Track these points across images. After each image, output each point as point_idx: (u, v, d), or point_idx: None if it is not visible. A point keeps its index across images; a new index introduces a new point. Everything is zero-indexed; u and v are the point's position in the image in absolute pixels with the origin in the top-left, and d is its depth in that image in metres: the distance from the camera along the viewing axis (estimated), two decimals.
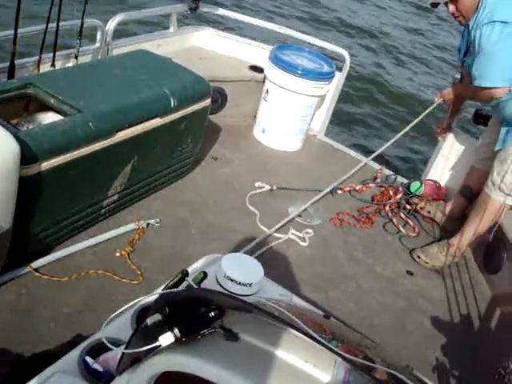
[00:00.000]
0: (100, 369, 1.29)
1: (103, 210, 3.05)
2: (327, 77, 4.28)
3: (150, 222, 3.18)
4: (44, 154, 2.41)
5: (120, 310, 1.26)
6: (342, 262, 3.42)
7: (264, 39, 5.47)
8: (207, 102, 3.40)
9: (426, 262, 3.56)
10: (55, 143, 2.46)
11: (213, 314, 1.08)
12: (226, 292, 0.94)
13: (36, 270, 2.73)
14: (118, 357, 1.31)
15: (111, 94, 2.92)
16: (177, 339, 1.03)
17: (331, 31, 10.51)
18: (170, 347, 1.03)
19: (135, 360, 1.05)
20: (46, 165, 2.45)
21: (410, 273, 3.50)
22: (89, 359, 1.31)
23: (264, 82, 4.44)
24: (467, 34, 3.27)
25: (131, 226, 3.12)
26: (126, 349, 1.02)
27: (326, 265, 3.34)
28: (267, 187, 3.81)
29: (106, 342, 1.09)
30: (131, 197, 3.22)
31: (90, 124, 2.61)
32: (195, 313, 1.07)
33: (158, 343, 1.02)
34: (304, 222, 3.64)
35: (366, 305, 3.14)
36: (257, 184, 3.83)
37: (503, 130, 3.27)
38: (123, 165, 2.95)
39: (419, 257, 3.58)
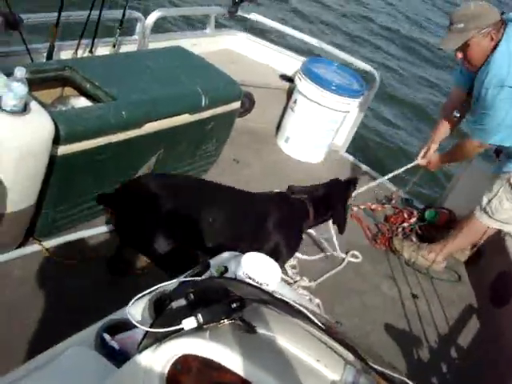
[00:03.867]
0: (116, 347, 1.33)
1: None
2: (356, 94, 4.33)
3: None
4: (76, 135, 2.47)
5: (146, 292, 1.30)
6: (349, 276, 3.45)
7: (296, 49, 5.53)
8: (237, 104, 3.45)
9: (397, 250, 3.78)
10: (88, 127, 2.52)
11: (234, 305, 1.12)
12: (253, 283, 0.98)
13: (47, 249, 2.78)
14: (137, 337, 1.35)
15: (145, 86, 2.98)
16: (199, 325, 1.08)
17: (364, 45, 10.54)
18: (191, 332, 1.07)
19: (155, 340, 1.09)
20: (76, 147, 2.50)
21: (415, 296, 3.52)
22: (106, 336, 1.35)
23: (292, 91, 4.49)
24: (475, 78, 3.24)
25: None
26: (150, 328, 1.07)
27: (332, 277, 3.37)
28: None
29: (131, 319, 1.14)
30: None
31: (123, 112, 2.67)
32: (218, 302, 1.11)
33: (180, 326, 1.06)
34: (317, 235, 3.66)
35: (370, 321, 3.17)
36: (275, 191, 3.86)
37: (502, 156, 3.43)
38: (148, 156, 3.01)
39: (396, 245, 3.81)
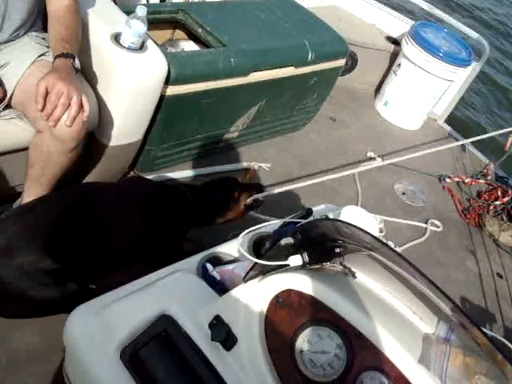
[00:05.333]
0: (217, 277, 1.41)
1: (221, 144, 3.18)
2: (464, 63, 4.19)
3: (261, 165, 3.29)
4: (186, 78, 2.53)
5: (256, 227, 1.37)
6: (434, 248, 3.42)
7: (405, 11, 5.37)
8: (341, 62, 3.43)
9: (486, 227, 3.68)
10: (197, 70, 2.58)
11: (338, 250, 1.16)
12: (362, 228, 1.02)
13: None
14: (236, 272, 1.43)
15: (254, 35, 3.01)
16: (304, 263, 1.13)
17: (478, 16, 10.07)
18: (296, 268, 1.13)
19: (261, 273, 1.15)
20: (184, 88, 2.57)
21: (499, 275, 3.46)
22: (209, 266, 1.43)
23: (397, 55, 4.40)
24: None
25: (243, 165, 3.25)
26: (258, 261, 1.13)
27: (416, 246, 3.36)
28: (378, 160, 3.83)
29: (243, 251, 1.21)
30: (249, 138, 3.34)
31: (232, 60, 2.72)
32: (323, 245, 1.16)
33: (286, 262, 1.12)
34: (407, 201, 3.65)
35: (451, 294, 3.14)
36: (368, 154, 3.86)
37: None
38: (250, 105, 3.06)
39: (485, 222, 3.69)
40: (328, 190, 3.39)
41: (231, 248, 1.56)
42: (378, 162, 3.80)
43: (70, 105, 1.82)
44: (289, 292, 1.12)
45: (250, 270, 1.16)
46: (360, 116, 4.32)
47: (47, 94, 1.80)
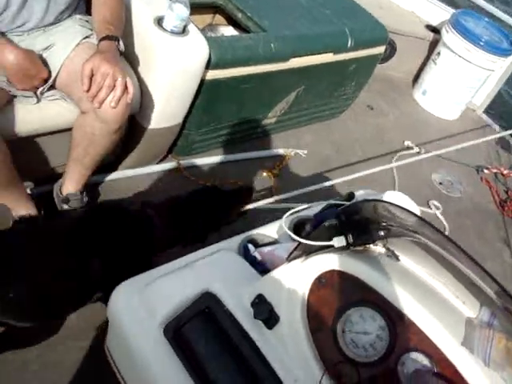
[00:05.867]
0: (258, 257, 1.42)
1: (258, 130, 3.19)
2: (505, 52, 4.12)
3: (298, 151, 3.30)
4: (226, 62, 2.54)
5: (297, 209, 1.38)
6: (471, 239, 3.39)
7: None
8: (381, 49, 3.40)
9: None
10: (237, 55, 2.58)
11: (382, 232, 1.17)
12: (408, 209, 1.02)
13: (184, 168, 2.94)
14: (276, 253, 1.45)
15: (294, 21, 3.00)
16: (347, 244, 1.14)
17: None
18: (340, 249, 1.14)
19: (305, 253, 1.16)
20: (224, 73, 2.58)
21: None
22: (251, 246, 1.45)
23: (436, 43, 4.35)
24: None
25: (280, 151, 3.25)
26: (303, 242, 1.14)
27: (453, 237, 3.32)
28: (415, 149, 3.80)
29: (288, 231, 1.22)
30: (286, 124, 3.35)
31: (272, 45, 2.72)
32: (367, 227, 1.16)
33: (331, 243, 1.13)
34: (444, 191, 3.61)
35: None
36: (406, 143, 3.83)
37: None
38: (289, 91, 3.06)
39: None
40: (364, 177, 3.37)
41: (271, 230, 1.57)
42: (415, 150, 3.77)
43: (114, 86, 1.85)
44: (332, 272, 1.13)
45: (294, 250, 1.18)
46: (398, 104, 4.28)
47: (92, 75, 1.83)
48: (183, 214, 1.85)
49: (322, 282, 1.15)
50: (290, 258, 1.18)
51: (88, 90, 1.84)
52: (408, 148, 3.80)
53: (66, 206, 2.35)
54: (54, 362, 1.85)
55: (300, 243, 1.15)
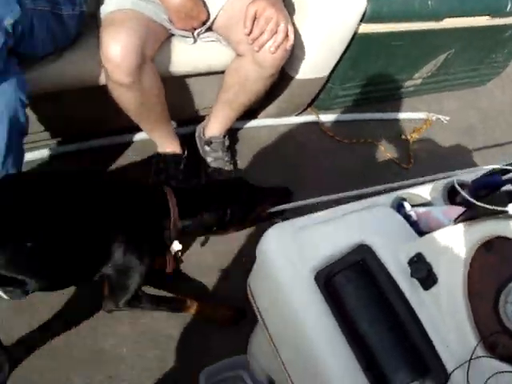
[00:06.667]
0: (414, 217, 1.39)
1: (402, 90, 3.10)
2: None
3: (439, 117, 3.17)
4: (381, 16, 2.46)
5: (455, 172, 1.33)
6: None
7: None
8: None
9: None
10: (393, 9, 2.48)
11: None
12: None
13: (323, 123, 2.92)
14: (432, 215, 1.40)
15: None
16: None
17: None
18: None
19: (473, 216, 1.11)
20: (377, 27, 2.50)
21: None
22: (407, 205, 1.41)
23: None
24: None
25: (421, 115, 3.15)
26: (475, 206, 1.09)
27: None
28: None
29: (462, 191, 1.17)
30: (430, 86, 3.22)
31: (429, 2, 2.60)
32: None
33: (505, 209, 1.07)
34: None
35: None
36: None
37: None
38: (439, 52, 2.93)
39: None
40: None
41: (425, 191, 1.52)
42: None
43: (276, 32, 1.84)
44: (502, 240, 1.08)
45: (463, 213, 1.13)
46: None
47: (255, 18, 1.83)
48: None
49: (490, 248, 1.09)
50: (457, 220, 1.14)
51: (249, 33, 1.85)
52: None
53: (207, 148, 2.41)
54: None
55: (472, 206, 1.10)
